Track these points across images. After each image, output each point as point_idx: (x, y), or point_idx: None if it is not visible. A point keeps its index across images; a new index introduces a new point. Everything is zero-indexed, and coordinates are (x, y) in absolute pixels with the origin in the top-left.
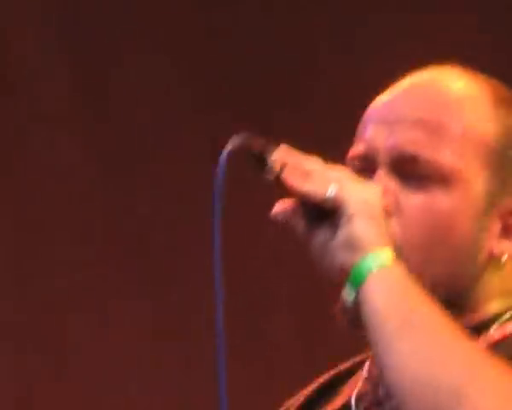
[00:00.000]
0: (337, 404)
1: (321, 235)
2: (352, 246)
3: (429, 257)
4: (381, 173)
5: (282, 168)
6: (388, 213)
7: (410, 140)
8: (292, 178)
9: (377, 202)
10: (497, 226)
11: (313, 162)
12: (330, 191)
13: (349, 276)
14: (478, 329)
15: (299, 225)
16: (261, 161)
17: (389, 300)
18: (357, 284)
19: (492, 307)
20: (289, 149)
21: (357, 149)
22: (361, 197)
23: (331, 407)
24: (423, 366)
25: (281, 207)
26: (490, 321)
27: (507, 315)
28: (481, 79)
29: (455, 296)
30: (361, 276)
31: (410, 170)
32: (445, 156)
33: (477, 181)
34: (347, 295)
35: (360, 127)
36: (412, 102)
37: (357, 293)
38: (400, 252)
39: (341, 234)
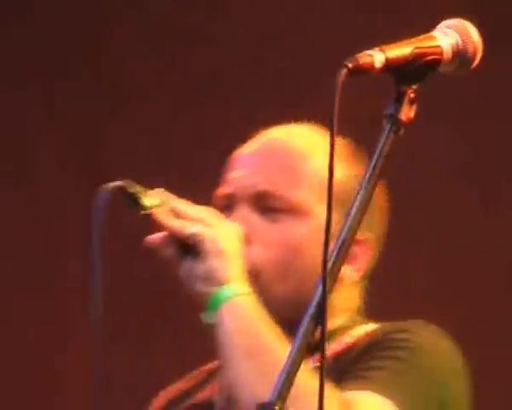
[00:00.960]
0: (199, 398)
1: (186, 264)
2: (208, 279)
3: (284, 276)
4: (242, 208)
5: (154, 207)
6: (248, 241)
7: (265, 180)
8: (161, 216)
9: (232, 239)
10: None
11: (182, 203)
12: (193, 230)
13: (207, 304)
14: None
15: (168, 254)
16: (136, 200)
17: (238, 325)
18: (212, 311)
19: (336, 321)
20: (163, 191)
21: (222, 189)
22: (218, 236)
23: (194, 400)
24: (260, 384)
25: (153, 238)
26: (334, 333)
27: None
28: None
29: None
30: (215, 305)
31: (267, 205)
32: (294, 193)
33: (322, 214)
34: (206, 318)
35: (225, 173)
36: (269, 150)
37: (214, 318)
38: (260, 274)
39: (200, 268)
